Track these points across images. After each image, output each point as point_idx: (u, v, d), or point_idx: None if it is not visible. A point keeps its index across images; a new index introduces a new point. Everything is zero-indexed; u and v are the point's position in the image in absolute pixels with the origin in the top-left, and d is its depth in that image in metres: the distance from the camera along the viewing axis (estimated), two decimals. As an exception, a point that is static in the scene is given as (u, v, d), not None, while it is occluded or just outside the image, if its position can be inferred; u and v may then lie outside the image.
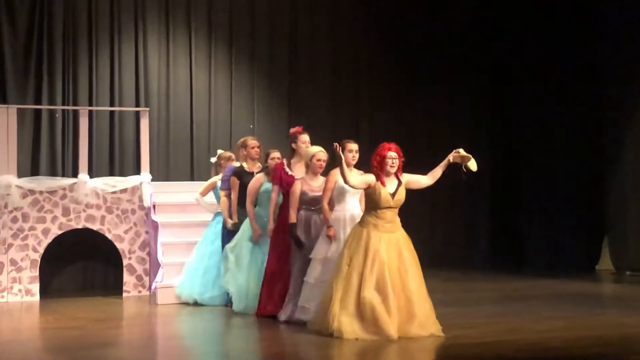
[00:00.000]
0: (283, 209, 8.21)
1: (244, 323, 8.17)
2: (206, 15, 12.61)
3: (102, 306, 9.59)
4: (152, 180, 10.74)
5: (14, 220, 10.09)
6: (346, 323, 6.93)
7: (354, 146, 7.78)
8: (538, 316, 8.15)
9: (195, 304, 9.32)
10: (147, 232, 10.46)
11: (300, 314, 7.72)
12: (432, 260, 11.61)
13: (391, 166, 7.22)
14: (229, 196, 9.17)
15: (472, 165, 7.31)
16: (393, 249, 7.12)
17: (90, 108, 11.52)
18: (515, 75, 13.79)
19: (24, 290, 10.06)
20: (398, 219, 7.29)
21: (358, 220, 7.41)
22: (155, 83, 12.23)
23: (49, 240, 10.20)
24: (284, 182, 8.21)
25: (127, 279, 10.37)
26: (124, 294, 10.30)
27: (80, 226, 10.32)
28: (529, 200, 13.64)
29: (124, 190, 10.48)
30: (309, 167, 8.03)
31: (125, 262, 10.38)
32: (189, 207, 10.53)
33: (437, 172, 7.39)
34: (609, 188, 12.51)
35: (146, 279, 10.41)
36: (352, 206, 7.73)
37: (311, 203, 7.93)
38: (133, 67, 12.11)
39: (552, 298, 9.61)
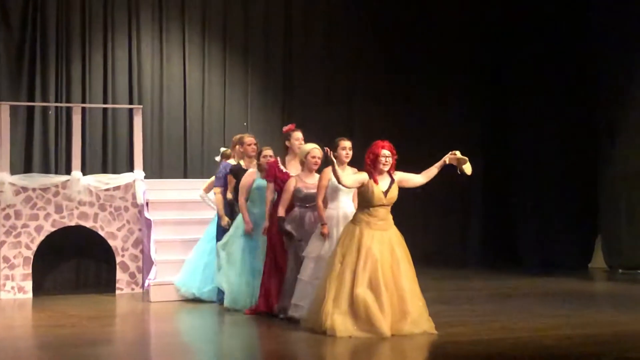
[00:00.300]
0: (277, 207, 8.20)
1: (237, 320, 8.17)
2: (200, 11, 12.57)
3: (95, 304, 9.58)
4: (146, 177, 10.72)
5: (7, 217, 10.07)
6: (339, 321, 6.92)
7: (347, 143, 7.76)
8: (531, 314, 8.16)
9: (194, 299, 9.34)
10: (140, 230, 10.44)
11: (293, 311, 7.72)
12: (425, 258, 11.61)
13: (384, 164, 7.22)
14: (223, 193, 9.17)
15: (467, 168, 7.33)
16: (386, 247, 7.12)
17: (84, 105, 11.49)
18: (508, 74, 13.79)
19: (16, 287, 10.03)
20: (390, 217, 7.29)
21: (351, 218, 7.41)
22: (148, 80, 12.20)
23: (41, 237, 10.17)
24: (279, 180, 8.20)
25: (120, 276, 10.35)
26: (117, 292, 10.29)
27: (73, 223, 10.30)
28: (522, 199, 13.65)
29: (117, 188, 10.46)
30: (304, 165, 8.03)
31: (118, 259, 10.36)
32: (183, 205, 10.53)
33: (431, 172, 7.39)
34: (602, 187, 12.52)
35: (139, 276, 10.39)
36: (346, 204, 7.73)
37: (305, 200, 7.93)
38: (126, 64, 12.08)
39: (545, 296, 9.63)
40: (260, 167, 8.62)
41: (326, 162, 7.61)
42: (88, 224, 10.33)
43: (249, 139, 9.18)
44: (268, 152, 8.63)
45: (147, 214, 10.29)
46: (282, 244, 8.08)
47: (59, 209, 10.24)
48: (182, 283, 9.48)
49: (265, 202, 8.34)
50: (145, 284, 9.98)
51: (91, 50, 11.89)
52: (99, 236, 10.39)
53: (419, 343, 6.84)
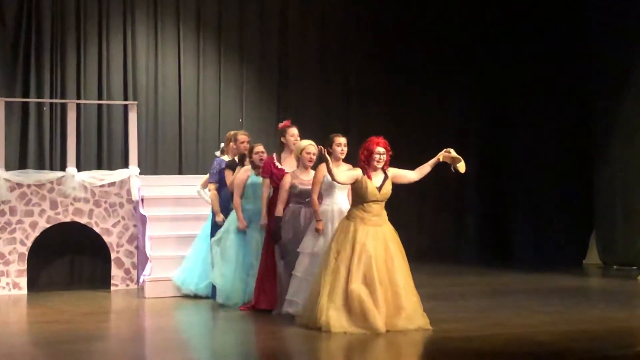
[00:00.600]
0: (274, 203, 8.20)
1: (232, 316, 8.17)
2: (195, 8, 12.55)
3: (90, 300, 9.57)
4: (140, 173, 10.70)
5: (2, 213, 10.05)
6: (334, 317, 6.94)
7: (342, 140, 7.78)
8: (525, 310, 8.18)
9: (190, 295, 9.34)
10: (135, 226, 10.44)
11: (288, 307, 7.73)
12: (419, 254, 11.67)
13: (378, 162, 7.23)
14: (218, 189, 9.17)
15: (461, 167, 7.35)
16: (380, 243, 7.14)
17: (79, 101, 11.48)
18: (508, 74, 13.78)
19: (11, 283, 10.03)
20: (385, 213, 7.31)
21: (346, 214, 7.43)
22: (143, 76, 12.18)
23: (36, 233, 10.16)
24: (275, 176, 8.20)
25: (115, 272, 10.35)
26: (112, 288, 10.29)
27: (68, 219, 10.29)
28: (517, 195, 13.68)
29: (112, 184, 10.45)
30: (300, 161, 8.04)
31: (113, 255, 10.35)
32: (177, 201, 10.52)
33: (425, 169, 7.41)
34: (597, 183, 12.54)
35: (134, 272, 10.39)
36: (340, 200, 7.74)
37: (301, 196, 7.94)
38: (121, 61, 12.06)
39: (539, 292, 9.64)
40: (253, 165, 8.62)
41: (321, 158, 7.63)
42: (83, 220, 10.33)
43: (242, 136, 9.17)
44: (259, 148, 8.62)
45: (142, 210, 10.28)
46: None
47: (53, 205, 10.23)
48: (180, 280, 9.48)
49: (261, 198, 8.34)
50: (140, 280, 9.98)
51: (86, 47, 11.85)
52: (94, 232, 10.38)
53: (413, 339, 6.86)
